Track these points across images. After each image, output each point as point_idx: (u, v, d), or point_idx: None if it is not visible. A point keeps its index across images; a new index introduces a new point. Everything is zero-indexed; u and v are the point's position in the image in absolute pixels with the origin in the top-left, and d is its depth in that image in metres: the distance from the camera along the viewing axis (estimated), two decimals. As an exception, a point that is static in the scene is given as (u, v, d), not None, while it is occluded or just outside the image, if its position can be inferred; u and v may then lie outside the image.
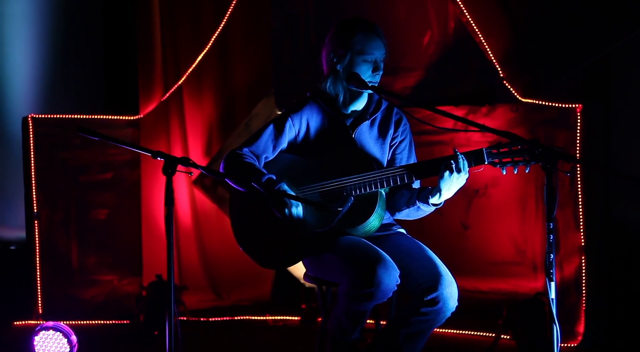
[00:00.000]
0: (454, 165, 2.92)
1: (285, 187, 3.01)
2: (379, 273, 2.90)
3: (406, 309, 3.05)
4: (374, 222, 3.07)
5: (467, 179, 2.97)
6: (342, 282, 3.00)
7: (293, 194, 3.02)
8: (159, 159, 2.95)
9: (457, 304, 3.04)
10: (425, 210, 3.11)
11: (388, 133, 3.25)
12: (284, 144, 3.21)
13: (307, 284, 5.29)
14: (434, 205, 3.06)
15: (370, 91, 3.17)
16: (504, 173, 2.94)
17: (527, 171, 2.92)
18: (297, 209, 3.02)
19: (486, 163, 2.95)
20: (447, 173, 2.93)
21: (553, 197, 2.76)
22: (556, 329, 2.77)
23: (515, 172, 2.93)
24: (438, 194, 3.00)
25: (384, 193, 3.11)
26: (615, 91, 5.47)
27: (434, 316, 3.01)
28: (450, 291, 3.00)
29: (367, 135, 3.22)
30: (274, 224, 3.11)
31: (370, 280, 2.89)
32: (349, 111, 3.24)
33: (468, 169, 2.94)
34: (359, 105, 3.24)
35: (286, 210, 3.01)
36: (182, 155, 4.07)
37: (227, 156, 3.19)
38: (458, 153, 2.93)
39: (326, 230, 3.04)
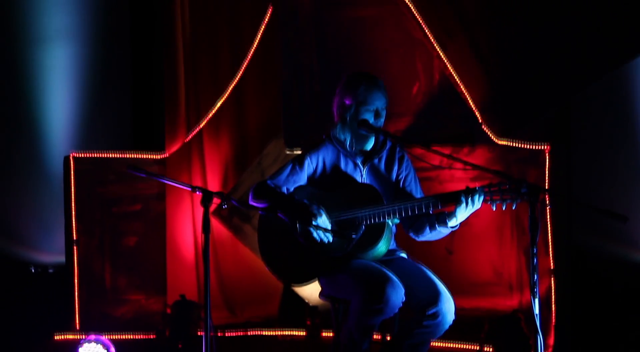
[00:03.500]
0: (469, 198, 2.99)
1: (314, 207, 3.06)
2: (387, 291, 2.94)
3: (410, 323, 3.09)
4: (381, 247, 3.12)
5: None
6: (353, 300, 3.03)
7: (318, 217, 3.06)
8: (197, 192, 2.96)
9: (454, 317, 3.09)
10: (443, 232, 3.19)
11: (393, 169, 3.30)
12: (303, 178, 3.25)
13: (312, 303, 5.26)
14: (452, 227, 3.13)
15: (373, 134, 3.24)
16: (494, 209, 3.01)
17: (513, 208, 2.97)
18: (325, 235, 3.07)
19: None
20: (464, 202, 3.00)
21: (536, 226, 2.83)
22: (539, 339, 2.82)
23: (504, 209, 2.98)
24: (454, 219, 3.08)
25: (390, 223, 3.15)
26: (574, 134, 5.58)
27: (434, 328, 3.05)
28: (448, 307, 3.05)
29: (375, 172, 3.27)
30: (296, 248, 3.16)
31: (380, 297, 2.93)
32: (359, 151, 3.29)
33: (481, 202, 3.01)
34: (367, 145, 3.29)
35: (314, 235, 3.06)
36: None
37: (255, 187, 3.23)
38: (477, 188, 3.00)
39: (342, 254, 3.08)
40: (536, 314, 2.80)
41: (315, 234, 3.07)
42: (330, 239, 3.08)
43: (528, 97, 4.72)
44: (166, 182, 3.06)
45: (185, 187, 3.03)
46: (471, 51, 4.81)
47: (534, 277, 2.81)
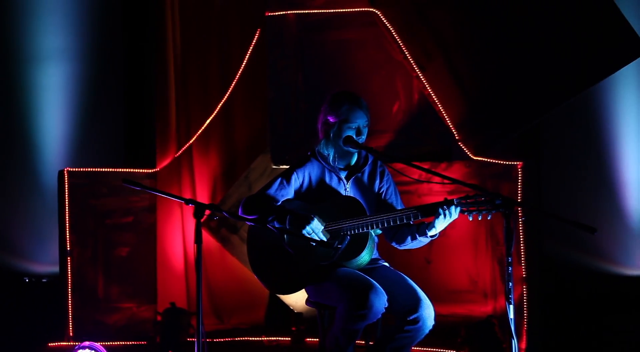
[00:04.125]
0: (447, 210, 3.06)
1: (317, 219, 3.11)
2: (371, 298, 2.98)
3: (392, 328, 3.11)
4: (365, 257, 3.15)
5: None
6: (339, 306, 3.06)
7: (311, 221, 3.11)
8: (190, 205, 2.93)
9: (434, 323, 3.11)
10: (424, 241, 3.23)
11: (375, 182, 3.34)
12: (291, 192, 3.28)
13: (296, 310, 5.26)
14: (431, 236, 3.19)
15: (357, 150, 3.29)
16: (470, 219, 3.07)
17: (488, 218, 3.02)
18: (316, 232, 3.11)
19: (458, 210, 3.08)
20: (442, 214, 3.07)
21: (511, 236, 2.85)
22: (514, 343, 2.84)
23: (480, 219, 3.04)
24: (434, 229, 3.14)
25: (373, 234, 3.21)
26: (544, 150, 5.68)
27: (415, 333, 3.08)
28: (428, 312, 3.09)
29: (358, 185, 3.31)
30: (284, 258, 3.19)
31: (364, 303, 2.97)
32: (343, 166, 3.34)
33: (457, 213, 3.08)
34: (350, 160, 3.34)
35: (305, 231, 3.10)
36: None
37: (245, 200, 3.25)
38: (455, 200, 3.06)
39: (328, 263, 3.13)
40: (511, 319, 2.84)
41: (305, 231, 3.09)
42: (323, 237, 3.11)
43: (501, 116, 4.77)
44: (160, 195, 3.04)
45: (178, 200, 3.03)
46: (448, 73, 4.86)
47: (509, 285, 2.84)
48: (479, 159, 4.78)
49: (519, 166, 4.65)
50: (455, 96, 4.86)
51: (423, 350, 4.75)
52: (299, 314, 5.14)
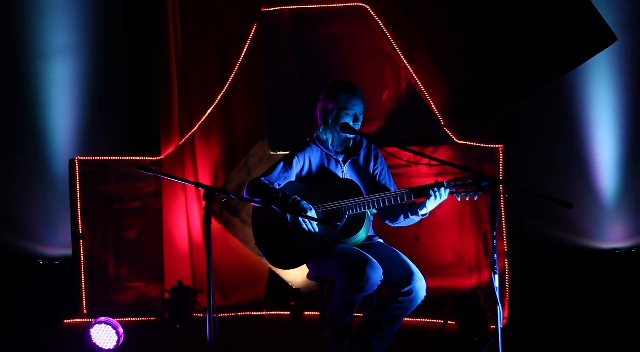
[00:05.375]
0: (437, 191, 3.11)
1: (304, 203, 3.13)
2: (367, 271, 3.05)
3: (387, 299, 3.19)
4: (362, 234, 3.21)
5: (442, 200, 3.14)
6: (338, 279, 3.12)
7: (308, 211, 3.14)
8: (200, 188, 3.00)
9: (425, 294, 3.18)
10: (415, 219, 3.29)
11: (369, 165, 3.39)
12: (292, 175, 3.32)
13: (295, 286, 5.32)
14: (422, 215, 3.24)
15: (354, 135, 3.35)
16: (459, 200, 3.12)
17: (475, 199, 3.09)
18: (312, 225, 3.15)
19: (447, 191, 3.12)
20: (433, 196, 3.13)
21: (495, 213, 2.92)
22: (499, 309, 2.91)
23: (467, 199, 3.09)
24: (425, 208, 3.19)
25: (369, 213, 3.28)
26: (523, 133, 5.74)
27: (408, 303, 3.16)
28: (420, 285, 3.16)
29: (354, 168, 3.36)
30: (287, 235, 3.24)
31: (362, 276, 3.04)
32: (340, 150, 3.39)
33: (447, 194, 3.12)
34: (347, 145, 3.39)
35: (303, 225, 3.14)
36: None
37: (249, 183, 3.29)
38: (444, 182, 3.10)
39: (327, 240, 3.19)
40: (496, 287, 2.90)
41: (304, 225, 3.16)
42: (317, 229, 3.17)
43: (483, 102, 4.81)
44: (173, 179, 3.07)
45: (189, 184, 3.07)
46: (433, 63, 4.89)
47: (493, 256, 2.91)
48: (463, 142, 4.82)
49: (500, 149, 4.70)
50: (440, 84, 4.90)
51: (413, 320, 4.81)
52: (297, 289, 5.18)
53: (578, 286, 5.34)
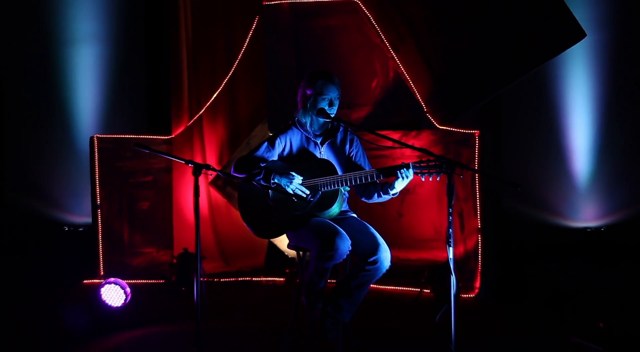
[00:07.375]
0: (404, 173, 3.16)
1: (297, 176, 3.20)
2: (337, 242, 3.09)
3: (355, 268, 3.22)
4: (335, 209, 3.25)
5: (410, 181, 3.20)
6: (312, 249, 3.17)
7: (294, 181, 3.22)
8: (190, 165, 3.06)
9: (390, 264, 3.20)
10: (386, 197, 3.32)
11: (345, 147, 3.42)
12: (274, 155, 3.37)
13: (290, 255, 5.37)
14: (393, 194, 3.29)
15: (329, 120, 3.39)
16: (423, 180, 3.18)
17: (438, 179, 3.12)
18: (298, 190, 3.20)
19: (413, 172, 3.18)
20: (400, 176, 3.18)
21: (451, 192, 2.95)
22: (453, 278, 2.96)
23: (430, 180, 3.14)
24: (394, 188, 3.24)
25: (343, 190, 3.32)
26: (504, 120, 5.74)
27: (374, 272, 3.19)
28: (385, 256, 3.18)
29: (332, 149, 3.40)
30: (267, 208, 3.31)
31: (331, 246, 3.08)
32: (318, 132, 3.43)
33: (412, 174, 3.17)
34: (324, 128, 3.42)
35: (289, 189, 3.20)
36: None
37: (237, 161, 3.35)
38: (410, 164, 3.14)
39: (302, 213, 3.24)
40: (450, 259, 2.95)
41: (291, 186, 3.21)
42: (304, 189, 3.22)
43: (463, 91, 4.81)
44: (166, 156, 3.14)
45: (179, 161, 3.14)
46: (418, 54, 4.89)
47: (449, 231, 2.94)
48: (444, 128, 4.84)
49: (476, 134, 4.71)
50: (424, 74, 4.90)
51: (395, 288, 4.87)
52: (292, 259, 5.26)
53: (549, 262, 5.35)
